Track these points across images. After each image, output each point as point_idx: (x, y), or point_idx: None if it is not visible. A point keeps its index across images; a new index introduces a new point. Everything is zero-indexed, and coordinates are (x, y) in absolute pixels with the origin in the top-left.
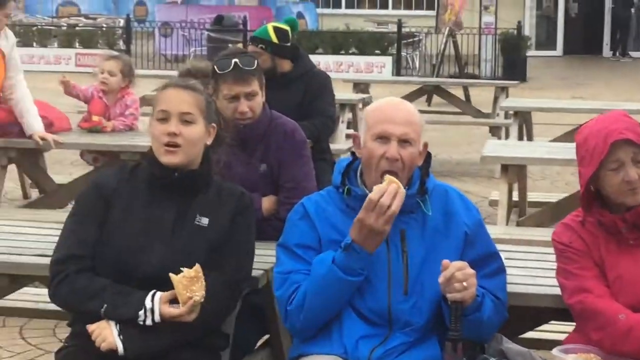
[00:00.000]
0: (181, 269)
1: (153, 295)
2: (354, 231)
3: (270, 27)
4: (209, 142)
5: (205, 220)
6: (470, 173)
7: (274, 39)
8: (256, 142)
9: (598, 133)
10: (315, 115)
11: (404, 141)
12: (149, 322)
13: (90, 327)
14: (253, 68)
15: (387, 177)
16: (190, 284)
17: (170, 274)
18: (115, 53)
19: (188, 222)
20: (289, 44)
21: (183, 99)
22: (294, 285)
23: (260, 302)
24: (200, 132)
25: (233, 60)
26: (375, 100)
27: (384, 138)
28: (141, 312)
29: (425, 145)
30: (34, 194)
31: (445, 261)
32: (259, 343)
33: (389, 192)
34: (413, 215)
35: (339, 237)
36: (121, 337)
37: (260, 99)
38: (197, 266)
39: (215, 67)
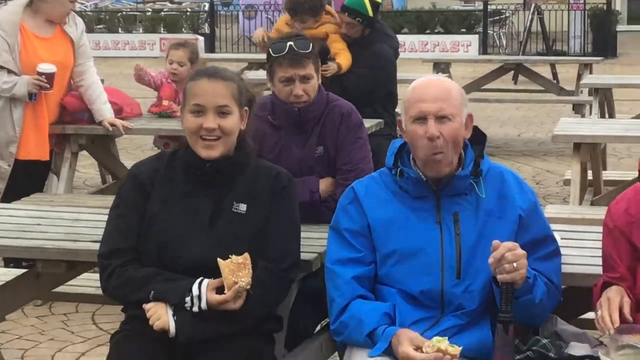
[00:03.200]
0: (230, 255)
1: (200, 283)
2: (396, 348)
3: None
4: (243, 127)
5: (243, 207)
6: (554, 152)
7: (370, 12)
8: (312, 124)
9: None
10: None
11: (441, 117)
12: (195, 309)
13: (147, 306)
14: (308, 51)
15: (435, 340)
16: (237, 269)
17: (218, 259)
18: (183, 39)
19: (226, 210)
20: (378, 18)
21: (218, 92)
22: (340, 306)
23: (318, 285)
24: (237, 121)
25: (288, 44)
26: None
27: (421, 118)
28: (187, 299)
29: (470, 116)
30: (111, 179)
31: (496, 242)
32: (319, 327)
33: None
34: (467, 197)
35: (389, 218)
36: (175, 318)
37: (315, 82)
38: (246, 254)
39: (270, 50)
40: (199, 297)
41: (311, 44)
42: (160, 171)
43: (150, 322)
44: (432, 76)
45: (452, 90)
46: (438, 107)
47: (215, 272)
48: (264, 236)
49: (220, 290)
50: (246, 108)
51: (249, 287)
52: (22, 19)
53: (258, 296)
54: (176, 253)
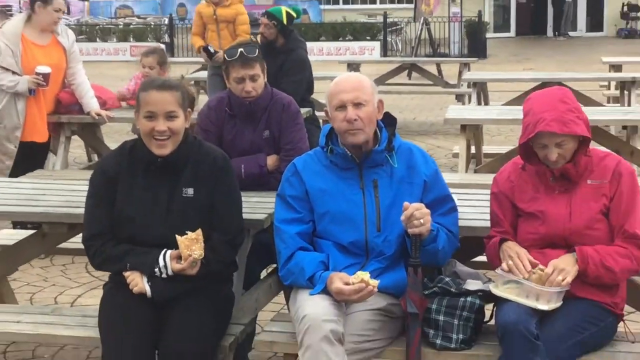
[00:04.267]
0: (186, 232)
1: (164, 254)
2: (330, 286)
3: (284, 9)
4: (187, 125)
5: (190, 191)
6: (442, 131)
7: (285, 20)
8: (260, 114)
9: (533, 116)
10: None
11: (357, 104)
12: (164, 275)
13: (126, 274)
14: (255, 55)
15: (360, 273)
16: (191, 244)
17: (176, 236)
18: (152, 47)
19: (177, 196)
20: (291, 27)
21: (166, 100)
22: (286, 256)
23: (268, 239)
24: (182, 122)
25: (239, 50)
26: None
27: (341, 106)
28: (156, 269)
29: (380, 101)
30: (96, 158)
31: (406, 203)
32: (268, 272)
33: (357, 291)
34: (383, 167)
35: (323, 186)
36: (149, 283)
37: (262, 80)
38: (199, 230)
39: (225, 55)
40: (165, 266)
41: (257, 49)
42: (124, 165)
43: (130, 287)
44: (349, 73)
45: (364, 82)
46: (354, 95)
47: (176, 246)
48: (212, 214)
49: (180, 258)
50: (189, 110)
51: (201, 257)
52: (23, 30)
53: (213, 260)
54: (143, 238)
